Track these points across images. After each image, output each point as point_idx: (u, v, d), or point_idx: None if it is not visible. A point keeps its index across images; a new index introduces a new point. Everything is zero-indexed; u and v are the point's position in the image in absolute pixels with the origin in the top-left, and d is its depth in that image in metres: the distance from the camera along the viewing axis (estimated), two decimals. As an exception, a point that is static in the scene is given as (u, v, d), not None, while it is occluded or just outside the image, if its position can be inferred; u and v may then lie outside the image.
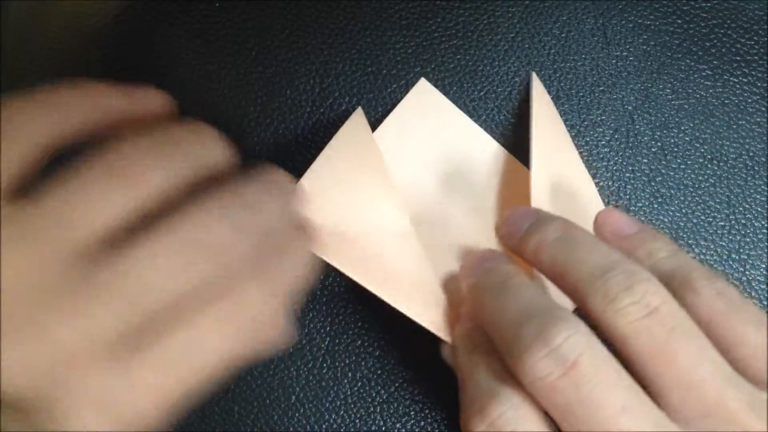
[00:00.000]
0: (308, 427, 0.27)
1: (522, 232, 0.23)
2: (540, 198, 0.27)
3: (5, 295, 0.16)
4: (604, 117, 0.30)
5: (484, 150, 0.30)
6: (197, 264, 0.17)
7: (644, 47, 0.31)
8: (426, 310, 0.26)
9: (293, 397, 0.28)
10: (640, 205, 0.29)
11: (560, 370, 0.19)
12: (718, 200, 0.29)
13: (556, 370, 0.19)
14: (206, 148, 0.19)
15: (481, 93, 0.30)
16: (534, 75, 0.30)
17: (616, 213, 0.24)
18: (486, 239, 0.28)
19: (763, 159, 0.30)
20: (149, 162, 0.17)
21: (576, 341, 0.19)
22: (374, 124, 0.30)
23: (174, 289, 0.17)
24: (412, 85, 0.30)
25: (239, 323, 0.17)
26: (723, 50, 0.31)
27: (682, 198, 0.29)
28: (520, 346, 0.20)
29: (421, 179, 0.29)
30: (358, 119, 0.28)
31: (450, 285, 0.27)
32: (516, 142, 0.30)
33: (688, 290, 0.21)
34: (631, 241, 0.23)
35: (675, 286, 0.21)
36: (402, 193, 0.29)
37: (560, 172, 0.28)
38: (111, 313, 0.16)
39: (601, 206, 0.29)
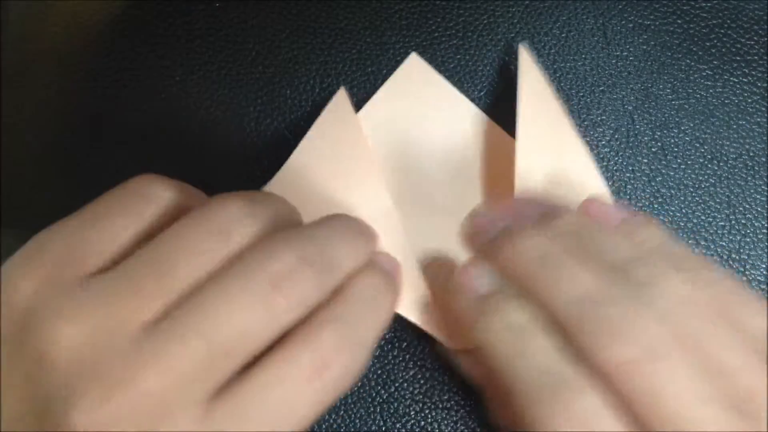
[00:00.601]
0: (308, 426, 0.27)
1: (492, 235, 0.22)
2: (526, 171, 0.27)
3: (94, 355, 0.16)
4: (604, 117, 0.30)
5: (473, 124, 0.30)
6: (276, 307, 0.18)
7: (644, 47, 0.31)
8: (403, 294, 0.25)
9: (293, 397, 0.28)
10: (640, 205, 0.29)
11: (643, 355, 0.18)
12: (718, 200, 0.29)
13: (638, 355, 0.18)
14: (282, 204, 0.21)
15: (481, 93, 0.30)
16: (521, 47, 0.29)
17: (598, 202, 0.23)
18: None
19: (763, 159, 0.30)
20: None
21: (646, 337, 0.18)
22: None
23: (258, 335, 0.18)
24: (412, 85, 0.30)
25: (323, 376, 0.18)
26: (723, 50, 0.31)
27: (682, 198, 0.29)
28: (603, 327, 0.18)
29: (409, 154, 0.29)
30: (340, 100, 0.28)
31: (431, 268, 0.27)
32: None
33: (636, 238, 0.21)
34: (618, 232, 0.22)
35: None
36: (388, 170, 0.29)
37: (549, 146, 0.28)
38: (196, 358, 0.17)
39: (596, 176, 0.28)
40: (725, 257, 0.29)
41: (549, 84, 0.29)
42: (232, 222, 0.19)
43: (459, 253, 0.25)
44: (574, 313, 0.19)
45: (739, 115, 0.30)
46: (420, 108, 0.30)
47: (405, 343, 0.28)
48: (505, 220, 0.22)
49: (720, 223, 0.29)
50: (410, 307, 0.27)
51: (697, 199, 0.29)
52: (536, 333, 0.20)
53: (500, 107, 0.30)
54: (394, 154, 0.29)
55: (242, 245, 0.19)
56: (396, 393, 0.28)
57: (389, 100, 0.30)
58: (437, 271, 0.27)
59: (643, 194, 0.29)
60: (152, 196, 0.20)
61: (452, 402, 0.28)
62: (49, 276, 0.18)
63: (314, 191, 0.27)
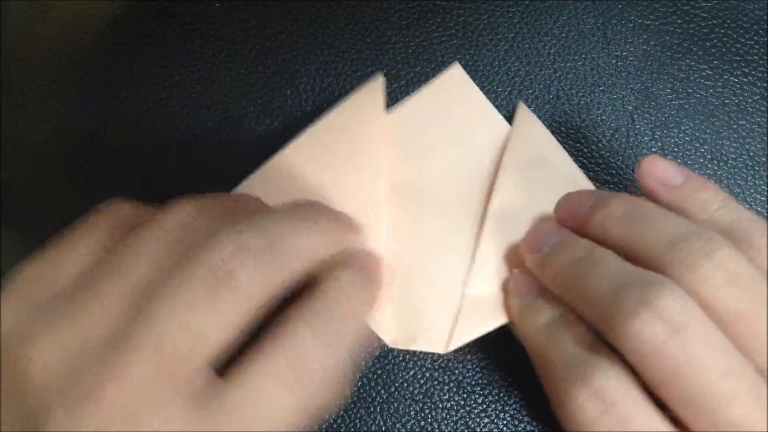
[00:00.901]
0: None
1: (586, 209, 0.23)
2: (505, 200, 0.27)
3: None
4: (604, 117, 0.30)
5: (502, 140, 0.29)
6: (222, 302, 0.18)
7: (644, 47, 0.31)
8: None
9: (293, 397, 0.28)
10: (640, 205, 0.29)
11: (667, 332, 0.19)
12: (718, 200, 0.29)
13: (662, 333, 0.19)
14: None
15: (483, 92, 0.30)
16: (521, 105, 0.29)
17: (661, 161, 0.24)
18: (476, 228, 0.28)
19: (763, 159, 0.30)
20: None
21: (680, 304, 0.19)
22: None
23: (211, 335, 0.18)
24: (413, 84, 0.30)
25: (301, 376, 0.18)
26: (723, 50, 0.31)
27: (682, 198, 0.29)
28: (621, 311, 0.20)
29: (431, 165, 0.29)
30: (376, 86, 0.28)
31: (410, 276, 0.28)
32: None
33: (749, 248, 0.21)
34: (681, 192, 0.23)
35: (735, 240, 0.21)
36: (405, 176, 0.29)
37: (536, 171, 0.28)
38: (149, 367, 0.17)
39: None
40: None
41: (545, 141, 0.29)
42: (182, 224, 0.19)
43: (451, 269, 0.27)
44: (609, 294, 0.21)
45: (739, 115, 0.30)
46: (453, 119, 0.29)
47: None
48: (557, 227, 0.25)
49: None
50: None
51: (697, 199, 0.29)
52: (566, 327, 0.23)
53: (500, 107, 0.30)
54: (415, 162, 0.29)
55: (192, 244, 0.19)
56: (396, 393, 0.28)
57: (423, 105, 0.29)
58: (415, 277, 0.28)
59: (643, 194, 0.29)
60: (109, 215, 0.21)
61: (452, 402, 0.28)
62: (23, 300, 0.19)
63: (318, 170, 0.27)
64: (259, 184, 0.27)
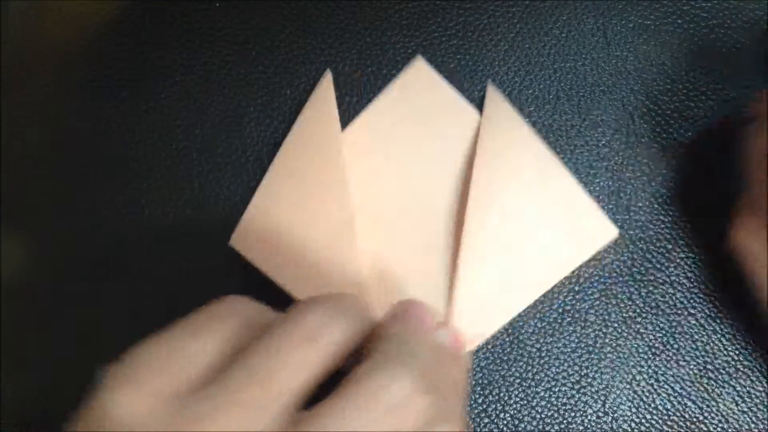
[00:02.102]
0: None
1: None
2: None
3: None
4: (604, 117, 0.30)
5: (475, 130, 0.30)
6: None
7: (644, 47, 0.31)
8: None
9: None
10: (641, 205, 0.29)
11: None
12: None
13: None
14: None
15: (481, 93, 0.30)
16: (490, 88, 0.30)
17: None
18: (455, 223, 0.29)
19: (763, 159, 0.30)
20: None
21: None
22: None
23: None
24: (412, 85, 0.30)
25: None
26: (723, 50, 0.31)
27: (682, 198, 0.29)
28: None
29: (409, 160, 0.29)
30: (325, 90, 0.29)
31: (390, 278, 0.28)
32: (516, 142, 0.30)
33: None
34: None
35: None
36: (385, 175, 0.29)
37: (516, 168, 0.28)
38: None
39: (582, 194, 0.29)
40: (726, 257, 0.29)
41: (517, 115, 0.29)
42: (319, 327, 0.19)
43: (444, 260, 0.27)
44: None
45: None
46: (423, 113, 0.30)
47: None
48: None
49: (722, 224, 0.29)
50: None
51: (697, 199, 0.29)
52: None
53: (500, 107, 0.30)
54: (394, 158, 0.29)
55: (332, 350, 0.19)
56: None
57: (392, 103, 0.30)
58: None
59: (643, 194, 0.29)
60: (234, 311, 0.20)
61: (452, 402, 0.28)
62: (154, 391, 0.18)
63: (292, 202, 0.28)
64: (243, 239, 0.28)
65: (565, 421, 0.28)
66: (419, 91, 0.30)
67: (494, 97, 0.30)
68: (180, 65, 0.31)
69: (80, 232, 0.30)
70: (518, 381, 0.28)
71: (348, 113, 0.30)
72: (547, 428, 0.28)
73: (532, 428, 0.28)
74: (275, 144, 0.30)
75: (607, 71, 0.30)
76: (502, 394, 0.28)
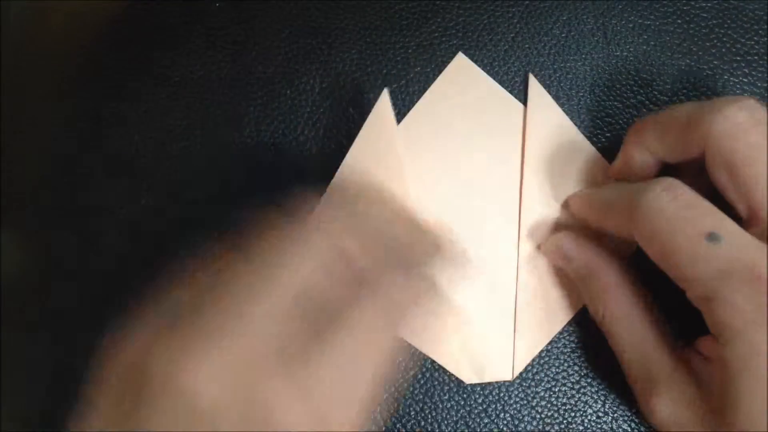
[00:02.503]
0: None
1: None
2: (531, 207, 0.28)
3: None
4: (604, 117, 0.30)
5: (520, 120, 0.30)
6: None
7: (644, 47, 0.31)
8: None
9: (293, 397, 0.28)
10: (640, 205, 0.29)
11: (751, 121, 0.22)
12: (718, 200, 0.29)
13: (748, 120, 0.22)
14: None
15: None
16: (531, 76, 0.30)
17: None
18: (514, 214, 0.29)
19: (763, 159, 0.30)
20: None
21: (763, 108, 0.22)
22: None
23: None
24: (413, 84, 0.30)
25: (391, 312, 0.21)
26: (723, 50, 0.31)
27: (682, 198, 0.29)
28: (715, 105, 0.23)
29: (458, 158, 0.30)
30: (383, 108, 0.29)
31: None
32: (516, 142, 0.30)
33: None
34: None
35: None
36: (436, 177, 0.30)
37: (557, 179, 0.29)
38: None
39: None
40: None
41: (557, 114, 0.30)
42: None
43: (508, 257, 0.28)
44: None
45: (739, 115, 0.30)
46: (470, 108, 0.30)
47: (405, 343, 0.28)
48: None
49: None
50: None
51: (697, 199, 0.29)
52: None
53: (500, 107, 0.30)
54: (442, 158, 0.29)
55: None
56: (396, 393, 0.28)
57: (438, 101, 0.30)
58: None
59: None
60: None
61: (452, 402, 0.28)
62: None
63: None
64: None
65: (565, 421, 0.28)
66: (464, 85, 0.30)
67: (537, 89, 0.30)
68: (180, 65, 0.31)
69: (80, 232, 0.30)
70: (518, 381, 0.28)
71: (347, 113, 0.30)
72: (547, 428, 0.28)
73: (532, 428, 0.28)
74: (275, 144, 0.30)
75: (607, 71, 0.30)
76: (502, 394, 0.28)
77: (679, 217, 0.22)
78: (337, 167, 0.28)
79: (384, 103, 0.29)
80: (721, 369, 0.21)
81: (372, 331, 0.20)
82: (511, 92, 0.30)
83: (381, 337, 0.21)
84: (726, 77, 0.30)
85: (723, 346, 0.21)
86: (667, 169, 0.26)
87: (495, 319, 0.28)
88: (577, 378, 0.28)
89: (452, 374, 0.28)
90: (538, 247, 0.28)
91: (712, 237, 0.21)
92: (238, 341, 0.19)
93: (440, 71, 0.30)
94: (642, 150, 0.26)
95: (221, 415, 0.18)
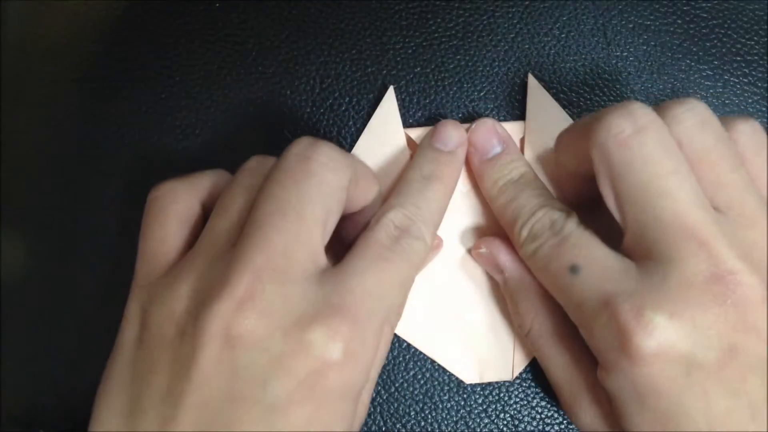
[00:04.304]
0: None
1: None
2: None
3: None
4: (604, 117, 0.30)
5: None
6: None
7: (644, 47, 0.31)
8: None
9: (293, 397, 0.28)
10: (640, 205, 0.29)
11: (632, 129, 0.22)
12: (718, 200, 0.29)
13: (629, 129, 0.22)
14: None
15: (481, 93, 0.30)
16: (531, 76, 0.30)
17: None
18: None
19: (763, 159, 0.30)
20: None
21: (647, 112, 0.22)
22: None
23: None
24: (413, 85, 0.30)
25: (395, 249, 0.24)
26: (723, 50, 0.31)
27: (682, 198, 0.29)
28: (599, 116, 0.22)
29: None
30: (389, 105, 0.29)
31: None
32: (516, 142, 0.30)
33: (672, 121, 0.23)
34: None
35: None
36: None
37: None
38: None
39: None
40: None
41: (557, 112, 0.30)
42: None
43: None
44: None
45: (739, 115, 0.30)
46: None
47: (405, 343, 0.29)
48: None
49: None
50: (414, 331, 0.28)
51: (697, 199, 0.29)
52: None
53: (500, 107, 0.30)
54: None
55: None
56: (396, 393, 0.28)
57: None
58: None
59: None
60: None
61: (452, 402, 0.28)
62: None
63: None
64: None
65: (565, 421, 0.28)
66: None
67: (537, 89, 0.30)
68: (180, 65, 0.31)
69: (80, 232, 0.30)
70: (518, 381, 0.28)
71: (347, 114, 0.30)
72: (547, 428, 0.28)
73: (532, 428, 0.28)
74: (275, 144, 0.30)
75: (607, 71, 0.30)
76: (502, 394, 0.28)
77: (546, 255, 0.24)
78: (337, 167, 0.28)
79: (390, 100, 0.29)
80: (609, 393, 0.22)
81: None
82: (510, 92, 0.30)
83: None
84: (726, 77, 0.30)
85: (601, 371, 0.22)
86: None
87: (495, 319, 0.28)
88: (577, 378, 0.28)
89: (452, 374, 0.28)
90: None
91: (573, 269, 0.22)
92: None
93: (440, 72, 0.30)
94: (561, 159, 0.26)
95: None
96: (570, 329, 0.25)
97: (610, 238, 0.23)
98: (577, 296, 0.22)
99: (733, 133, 0.23)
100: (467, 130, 0.28)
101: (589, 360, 0.24)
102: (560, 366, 0.25)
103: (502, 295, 0.28)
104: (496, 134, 0.28)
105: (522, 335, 0.27)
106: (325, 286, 0.21)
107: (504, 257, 0.27)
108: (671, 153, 0.21)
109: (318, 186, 0.22)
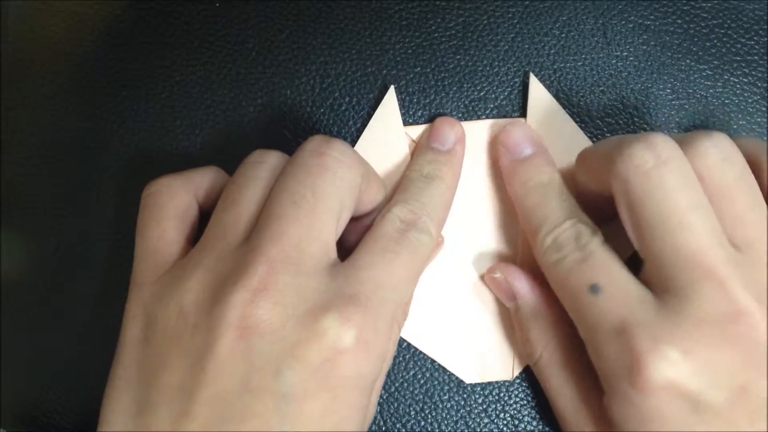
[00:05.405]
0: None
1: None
2: None
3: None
4: (604, 117, 0.30)
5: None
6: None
7: (644, 47, 0.31)
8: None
9: (293, 397, 0.28)
10: (640, 205, 0.29)
11: (654, 161, 0.22)
12: (718, 200, 0.29)
13: (650, 160, 0.22)
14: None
15: (481, 93, 0.30)
16: (532, 75, 0.30)
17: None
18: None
19: (763, 159, 0.30)
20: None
21: (670, 145, 0.22)
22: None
23: None
24: (413, 84, 0.30)
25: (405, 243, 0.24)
26: (723, 50, 0.31)
27: (682, 198, 0.29)
28: (621, 145, 0.22)
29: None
30: (389, 104, 0.29)
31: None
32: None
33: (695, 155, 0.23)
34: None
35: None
36: None
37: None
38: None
39: None
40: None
41: (558, 112, 0.30)
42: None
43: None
44: None
45: (739, 115, 0.30)
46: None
47: (405, 343, 0.28)
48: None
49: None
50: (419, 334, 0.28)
51: (697, 199, 0.29)
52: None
53: (500, 108, 0.30)
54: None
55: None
56: (396, 393, 0.28)
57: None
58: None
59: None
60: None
61: (452, 402, 0.28)
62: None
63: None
64: None
65: (565, 421, 0.28)
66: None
67: (537, 89, 0.30)
68: (180, 65, 0.31)
69: (80, 232, 0.30)
70: (518, 381, 0.28)
71: (348, 114, 0.30)
72: (547, 428, 0.28)
73: (532, 428, 0.28)
74: (275, 145, 0.30)
75: (607, 71, 0.30)
76: (502, 394, 0.28)
77: (568, 269, 0.23)
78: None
79: (391, 99, 0.29)
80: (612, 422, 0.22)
81: None
82: (510, 92, 0.30)
83: None
84: (726, 77, 0.30)
85: (607, 398, 0.22)
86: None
87: (495, 319, 0.28)
88: (577, 378, 0.28)
89: (452, 374, 0.28)
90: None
91: (593, 288, 0.22)
92: None
93: (440, 72, 0.30)
94: (579, 179, 0.26)
95: None
96: (580, 361, 0.24)
97: (621, 255, 0.23)
98: (594, 316, 0.22)
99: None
100: (498, 129, 0.28)
101: (597, 393, 0.23)
102: (567, 397, 0.25)
103: None
104: (529, 136, 0.28)
105: (530, 363, 0.26)
106: (337, 279, 0.21)
107: (519, 284, 0.26)
108: (692, 187, 0.21)
109: (332, 180, 0.22)
